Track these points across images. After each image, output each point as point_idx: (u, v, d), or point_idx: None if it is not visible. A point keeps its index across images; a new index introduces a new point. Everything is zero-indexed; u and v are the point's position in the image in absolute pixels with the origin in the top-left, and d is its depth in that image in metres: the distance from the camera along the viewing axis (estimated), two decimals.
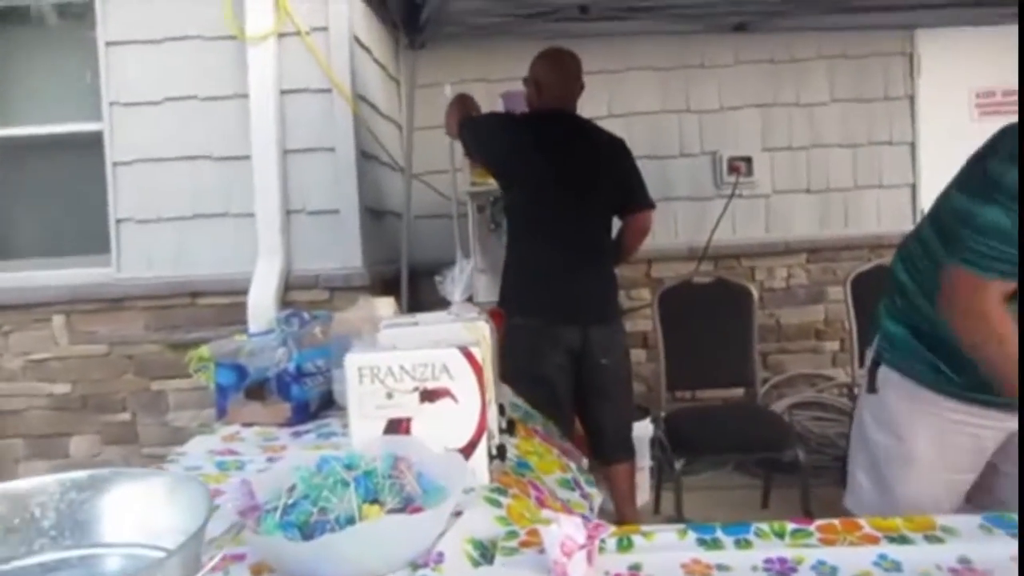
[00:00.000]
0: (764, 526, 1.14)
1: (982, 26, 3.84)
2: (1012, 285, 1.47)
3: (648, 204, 3.05)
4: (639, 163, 3.07)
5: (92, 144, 3.47)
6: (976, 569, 1.01)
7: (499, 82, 3.81)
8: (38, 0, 3.57)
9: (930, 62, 4.29)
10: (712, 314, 3.55)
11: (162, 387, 3.44)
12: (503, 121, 3.08)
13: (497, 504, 1.26)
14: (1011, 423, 1.41)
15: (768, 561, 1.05)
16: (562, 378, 2.85)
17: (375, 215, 3.65)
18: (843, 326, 4.06)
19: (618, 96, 4.17)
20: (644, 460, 3.58)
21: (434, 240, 3.99)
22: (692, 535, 1.13)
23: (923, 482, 1.70)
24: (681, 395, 3.85)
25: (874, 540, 1.10)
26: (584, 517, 1.33)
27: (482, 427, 1.33)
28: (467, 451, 1.31)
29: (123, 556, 0.93)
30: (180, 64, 3.39)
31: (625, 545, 1.11)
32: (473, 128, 3.02)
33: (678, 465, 3.11)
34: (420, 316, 1.57)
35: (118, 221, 3.44)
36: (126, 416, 3.47)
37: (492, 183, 3.41)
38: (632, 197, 3.02)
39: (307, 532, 1.03)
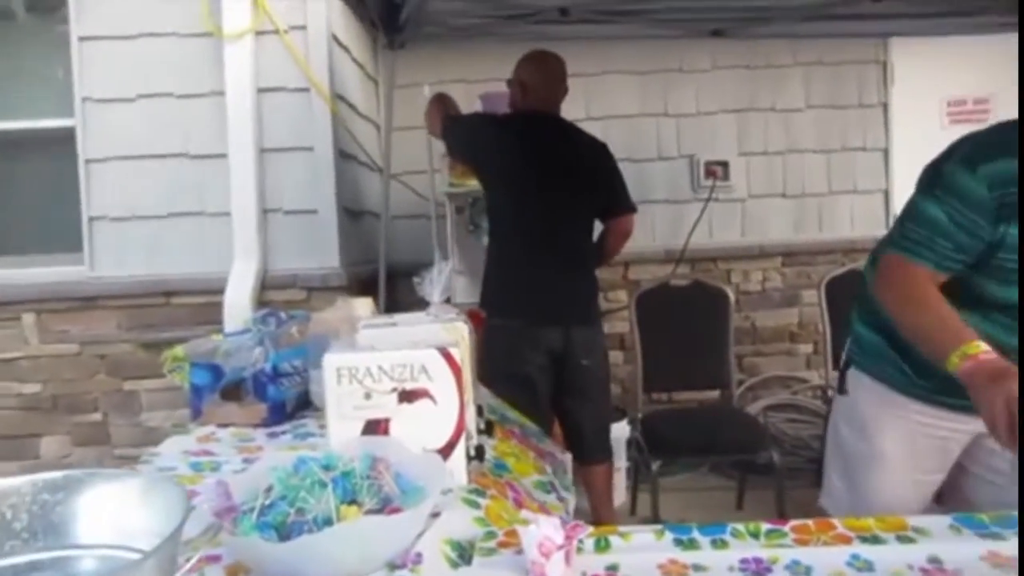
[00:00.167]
0: (740, 527, 1.15)
1: (954, 36, 3.90)
2: (942, 277, 1.51)
3: (630, 208, 3.07)
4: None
5: (64, 141, 3.42)
6: (946, 569, 1.03)
7: (478, 83, 3.81)
8: None
9: (903, 71, 4.35)
10: (689, 316, 3.57)
11: (135, 387, 3.40)
12: (487, 121, 3.08)
13: (475, 505, 1.26)
14: (976, 426, 1.44)
15: (744, 561, 1.06)
16: (543, 379, 2.86)
17: (353, 215, 3.64)
18: (817, 329, 4.11)
19: (596, 99, 4.19)
20: (620, 461, 3.60)
21: (412, 241, 3.98)
22: (669, 535, 1.13)
23: (891, 482, 1.73)
24: (658, 397, 3.87)
25: (847, 540, 1.11)
26: (561, 519, 1.33)
27: (460, 428, 1.33)
28: (445, 452, 1.31)
29: (97, 558, 0.91)
30: (155, 61, 3.36)
31: (603, 546, 1.12)
32: (457, 128, 3.02)
33: (654, 466, 3.13)
34: (398, 317, 1.56)
35: (91, 219, 3.41)
36: (97, 417, 3.43)
37: (471, 184, 3.41)
38: (615, 200, 3.04)
39: (284, 533, 1.02)
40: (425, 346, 1.33)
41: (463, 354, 1.36)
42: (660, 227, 4.29)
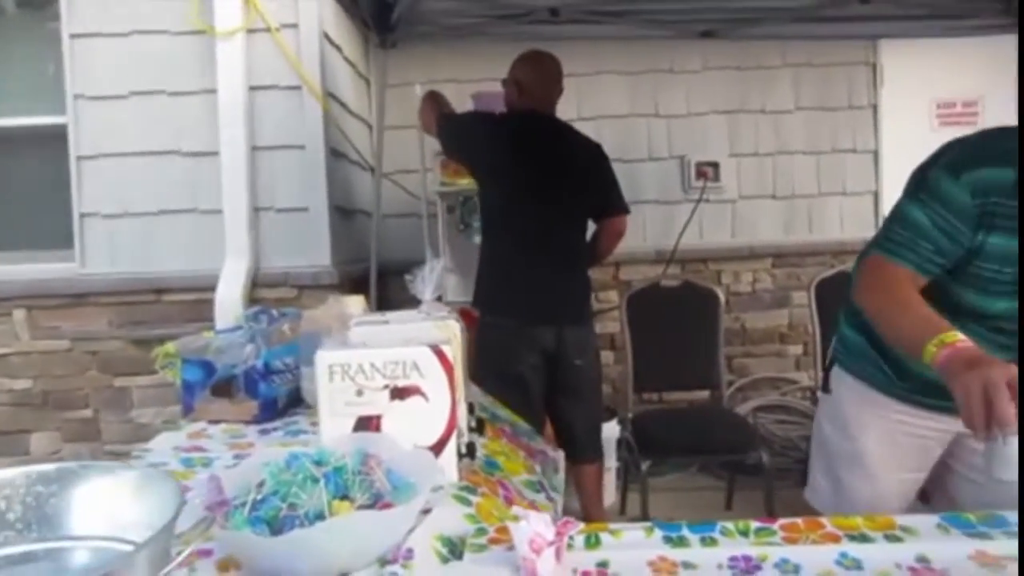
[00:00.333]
0: (729, 525, 1.16)
1: (944, 38, 3.92)
2: (922, 280, 1.52)
3: (624, 209, 3.09)
4: None
5: (56, 137, 3.42)
6: (934, 568, 1.04)
7: (470, 83, 3.81)
8: None
9: (893, 72, 4.37)
10: (679, 317, 3.59)
11: (125, 384, 3.40)
12: (483, 120, 3.08)
13: (466, 502, 1.27)
14: (957, 426, 1.45)
15: (733, 559, 1.06)
16: (536, 378, 2.87)
17: (344, 213, 3.64)
18: (807, 330, 4.12)
19: (587, 99, 4.19)
20: (610, 461, 3.61)
21: (403, 239, 3.98)
22: (659, 533, 1.14)
23: (873, 480, 1.74)
24: (648, 397, 3.88)
25: (835, 539, 1.12)
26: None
27: (452, 425, 1.33)
28: (437, 449, 1.32)
29: (90, 550, 0.92)
30: (147, 58, 3.36)
31: (593, 542, 1.12)
32: (452, 125, 3.02)
33: (644, 466, 3.13)
34: (391, 314, 1.57)
35: (82, 215, 3.40)
36: (88, 413, 3.42)
37: (462, 184, 3.41)
38: (608, 201, 3.05)
39: (276, 528, 1.02)
40: (417, 343, 1.33)
41: (455, 352, 1.36)
42: (651, 228, 4.30)
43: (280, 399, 1.87)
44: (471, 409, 1.64)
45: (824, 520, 1.17)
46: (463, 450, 1.41)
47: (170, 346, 1.90)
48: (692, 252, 4.25)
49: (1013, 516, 1.16)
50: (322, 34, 3.38)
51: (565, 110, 3.08)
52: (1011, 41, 3.09)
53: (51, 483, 0.94)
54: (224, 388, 1.83)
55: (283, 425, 1.80)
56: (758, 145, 4.36)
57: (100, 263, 3.41)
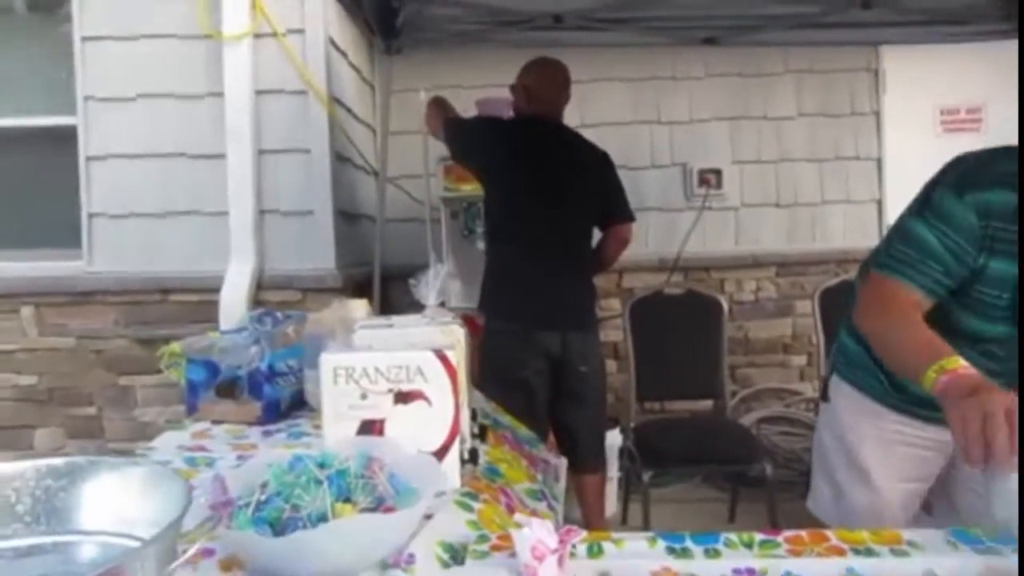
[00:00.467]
0: (733, 536, 1.15)
1: (947, 44, 3.90)
2: (928, 303, 1.49)
3: (630, 217, 3.09)
4: None
5: (66, 138, 3.44)
6: None
7: (473, 89, 3.83)
8: None
9: (896, 79, 4.34)
10: (682, 325, 3.56)
11: (130, 382, 3.42)
12: (490, 125, 3.09)
13: (468, 508, 1.27)
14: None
15: (736, 571, 1.06)
16: (540, 384, 2.86)
17: (348, 218, 3.65)
18: (810, 340, 4.11)
19: (590, 106, 4.19)
20: (612, 471, 3.57)
21: (406, 244, 3.98)
22: (662, 543, 1.13)
23: (873, 489, 1.74)
24: (650, 406, 3.87)
25: (841, 552, 1.10)
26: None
27: (455, 431, 1.33)
28: (440, 454, 1.32)
29: (98, 544, 0.92)
30: (156, 62, 3.39)
31: (595, 551, 1.12)
32: (459, 130, 3.03)
33: (646, 476, 3.09)
34: (395, 318, 1.56)
35: (90, 215, 3.43)
36: (92, 410, 3.44)
37: (465, 189, 3.42)
38: (614, 209, 3.06)
39: (279, 529, 1.03)
40: (421, 348, 1.34)
41: (459, 357, 1.36)
42: (653, 235, 4.29)
43: (284, 401, 1.87)
44: (474, 415, 1.64)
45: (829, 533, 1.16)
46: (466, 456, 1.41)
47: (175, 346, 1.91)
48: (695, 260, 4.25)
49: None
50: (328, 40, 3.39)
51: (568, 117, 3.09)
52: (1015, 47, 3.08)
53: (60, 477, 0.95)
54: (228, 389, 1.84)
55: (286, 427, 1.80)
56: (761, 152, 4.35)
57: (107, 262, 3.43)
